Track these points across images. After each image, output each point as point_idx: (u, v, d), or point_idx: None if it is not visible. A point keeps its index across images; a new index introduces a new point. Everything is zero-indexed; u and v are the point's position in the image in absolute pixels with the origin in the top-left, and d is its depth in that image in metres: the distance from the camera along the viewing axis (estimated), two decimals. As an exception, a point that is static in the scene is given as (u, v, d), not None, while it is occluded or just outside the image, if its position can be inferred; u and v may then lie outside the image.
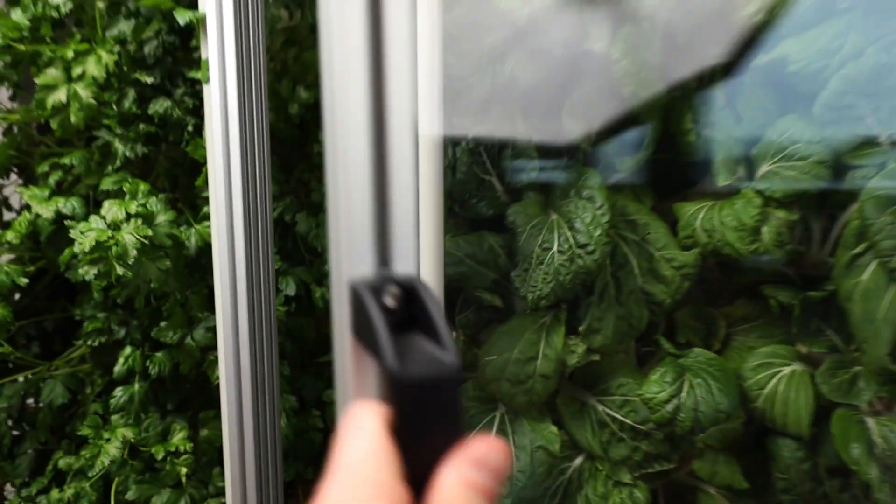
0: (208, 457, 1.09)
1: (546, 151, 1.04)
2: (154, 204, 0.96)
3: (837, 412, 0.93)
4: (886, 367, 0.84)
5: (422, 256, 0.84)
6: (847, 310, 0.89)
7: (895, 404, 0.93)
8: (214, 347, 1.04)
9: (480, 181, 1.00)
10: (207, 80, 0.88)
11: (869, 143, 0.90)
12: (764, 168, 0.94)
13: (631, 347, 1.10)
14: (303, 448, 1.14)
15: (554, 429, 0.97)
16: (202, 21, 0.87)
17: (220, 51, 0.87)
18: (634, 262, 0.99)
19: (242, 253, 0.91)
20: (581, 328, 0.96)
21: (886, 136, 0.90)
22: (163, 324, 1.05)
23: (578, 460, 1.02)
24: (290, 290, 1.10)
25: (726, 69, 1.01)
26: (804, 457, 0.94)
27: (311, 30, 1.13)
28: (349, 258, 0.40)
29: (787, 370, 0.96)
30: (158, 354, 1.06)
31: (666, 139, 0.98)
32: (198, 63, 0.89)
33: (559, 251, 0.92)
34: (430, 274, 0.84)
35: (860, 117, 0.90)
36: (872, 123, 0.90)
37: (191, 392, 1.14)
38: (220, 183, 0.90)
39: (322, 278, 1.13)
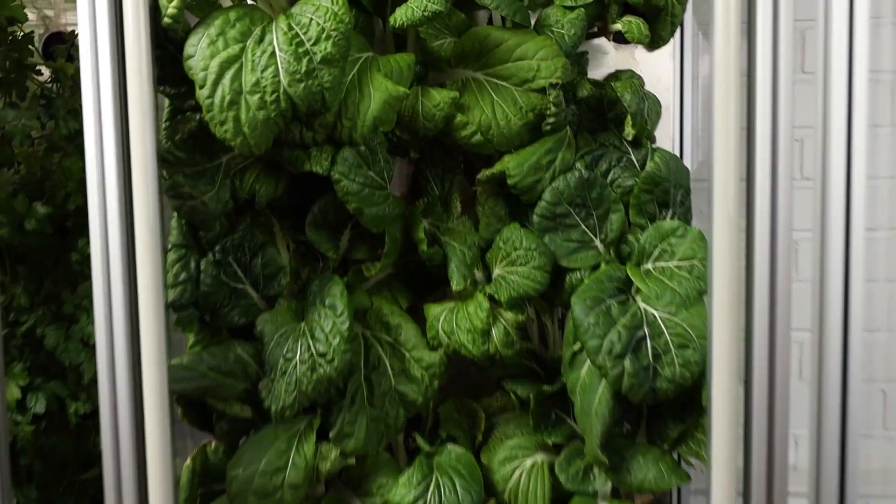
0: None
1: (302, 258, 1.06)
2: None
3: (574, 500, 0.98)
4: (599, 458, 0.90)
5: (144, 374, 0.83)
6: (572, 403, 0.96)
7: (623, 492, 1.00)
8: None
9: (232, 290, 1.00)
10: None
11: (583, 248, 0.99)
12: (496, 272, 1.01)
13: (398, 444, 1.11)
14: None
15: (307, 539, 0.96)
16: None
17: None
18: (388, 363, 1.02)
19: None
20: (332, 434, 0.97)
21: (598, 240, 1.00)
22: None
23: (341, 567, 1.01)
24: (40, 406, 1.05)
25: (468, 180, 1.08)
26: (547, 546, 0.98)
27: (69, 138, 1.12)
28: None
29: (528, 462, 1.01)
30: None
31: (409, 246, 1.03)
32: None
33: (301, 361, 0.93)
34: (152, 392, 0.82)
35: (573, 225, 0.99)
36: (585, 230, 0.99)
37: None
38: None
39: (78, 392, 1.09)
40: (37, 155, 1.17)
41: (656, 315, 0.92)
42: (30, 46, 1.13)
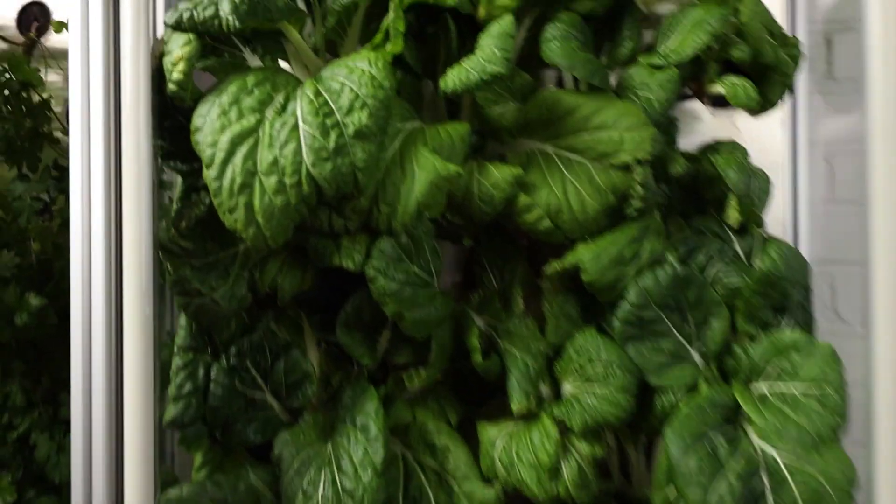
0: None
1: (333, 360, 0.90)
2: None
3: None
4: None
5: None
6: (666, 565, 0.75)
7: None
8: None
9: (249, 401, 0.84)
10: None
11: (677, 361, 0.79)
12: (566, 388, 0.81)
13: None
14: None
15: None
16: None
17: None
18: (432, 497, 0.83)
19: None
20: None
21: (695, 352, 0.80)
22: None
23: None
24: (28, 529, 0.90)
25: (533, 271, 0.90)
26: None
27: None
28: None
29: None
30: None
31: (461, 348, 0.85)
32: None
33: (323, 498, 0.75)
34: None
35: (664, 333, 0.79)
36: (679, 339, 0.79)
37: None
38: None
39: (72, 511, 0.93)
40: (51, 231, 1.06)
41: (777, 458, 0.70)
42: (47, 112, 1.02)
